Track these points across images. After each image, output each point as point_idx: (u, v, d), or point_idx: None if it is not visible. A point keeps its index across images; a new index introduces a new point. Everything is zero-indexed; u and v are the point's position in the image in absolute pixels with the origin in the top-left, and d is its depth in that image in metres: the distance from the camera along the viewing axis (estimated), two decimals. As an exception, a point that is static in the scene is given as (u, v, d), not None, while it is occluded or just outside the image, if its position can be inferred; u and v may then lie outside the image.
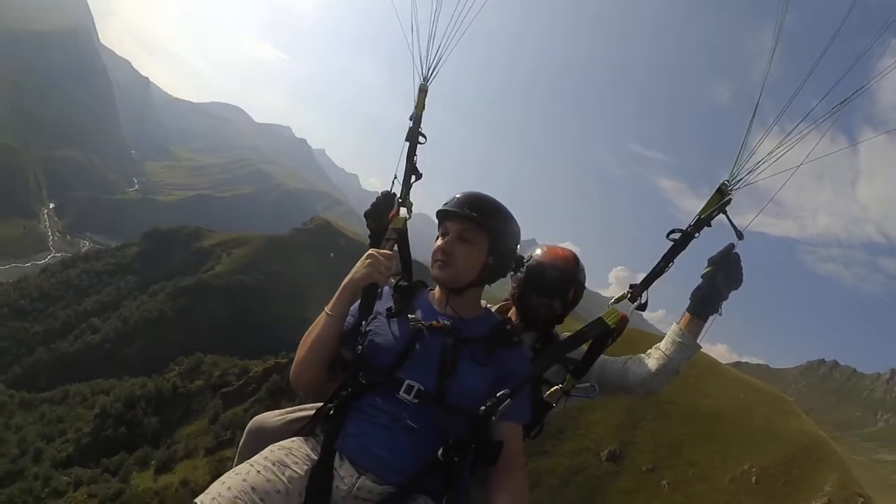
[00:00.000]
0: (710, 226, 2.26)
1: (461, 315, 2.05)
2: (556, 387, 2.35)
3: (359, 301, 2.08)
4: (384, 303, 2.09)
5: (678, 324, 2.43)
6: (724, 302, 2.32)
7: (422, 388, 1.83)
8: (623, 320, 2.21)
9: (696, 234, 2.22)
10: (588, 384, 2.35)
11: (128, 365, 72.73)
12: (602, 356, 2.42)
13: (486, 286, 2.17)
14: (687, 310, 2.40)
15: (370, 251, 2.14)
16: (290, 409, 2.18)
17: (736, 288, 2.29)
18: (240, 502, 1.60)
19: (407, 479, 1.76)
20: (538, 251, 2.68)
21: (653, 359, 2.45)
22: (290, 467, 1.75)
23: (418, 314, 2.03)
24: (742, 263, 2.26)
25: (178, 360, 66.54)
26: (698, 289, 2.33)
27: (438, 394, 1.84)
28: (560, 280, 2.58)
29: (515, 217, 2.12)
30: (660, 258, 2.28)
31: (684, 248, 2.23)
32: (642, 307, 2.26)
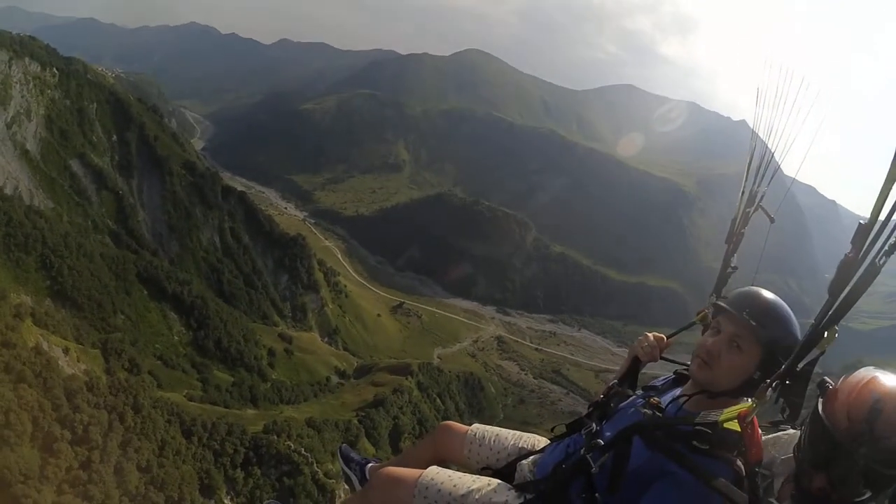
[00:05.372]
0: None
1: (688, 407, 2.04)
2: None
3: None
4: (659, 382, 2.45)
5: None
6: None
7: (592, 431, 2.26)
8: (742, 418, 1.75)
9: None
10: None
11: None
12: None
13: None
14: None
15: (644, 333, 2.50)
16: None
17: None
18: (477, 431, 2.78)
19: (542, 476, 2.37)
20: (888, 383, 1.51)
21: None
22: (524, 438, 2.75)
23: (664, 398, 2.19)
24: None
25: None
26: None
27: (595, 436, 2.22)
28: None
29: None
30: None
31: None
32: None
